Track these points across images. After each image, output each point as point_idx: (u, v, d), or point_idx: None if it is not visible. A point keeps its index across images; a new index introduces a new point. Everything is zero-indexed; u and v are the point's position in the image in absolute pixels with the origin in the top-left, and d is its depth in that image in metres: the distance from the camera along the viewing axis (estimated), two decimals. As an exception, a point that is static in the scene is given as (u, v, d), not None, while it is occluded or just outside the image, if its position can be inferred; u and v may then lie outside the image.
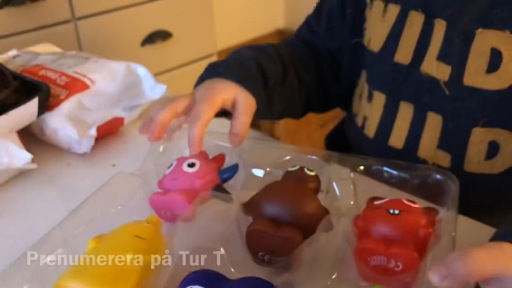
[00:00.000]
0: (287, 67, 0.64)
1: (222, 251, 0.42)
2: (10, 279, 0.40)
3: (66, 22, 1.20)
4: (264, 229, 0.42)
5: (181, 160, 0.49)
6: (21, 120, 0.61)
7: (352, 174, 0.50)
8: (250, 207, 0.45)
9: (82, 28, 1.22)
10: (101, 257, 0.38)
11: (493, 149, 0.55)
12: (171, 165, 0.49)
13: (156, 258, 0.40)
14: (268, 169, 0.53)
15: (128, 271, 0.38)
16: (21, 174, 0.60)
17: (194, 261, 0.41)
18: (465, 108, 0.55)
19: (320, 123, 1.61)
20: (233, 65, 0.59)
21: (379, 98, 0.63)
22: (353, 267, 0.41)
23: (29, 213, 0.55)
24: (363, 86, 0.66)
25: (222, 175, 0.49)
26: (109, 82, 0.68)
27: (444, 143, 0.58)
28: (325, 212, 0.45)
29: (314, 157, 0.53)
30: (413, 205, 0.42)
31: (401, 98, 0.61)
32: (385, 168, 0.51)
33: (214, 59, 1.52)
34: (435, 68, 0.56)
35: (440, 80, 0.56)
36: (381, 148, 0.63)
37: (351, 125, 0.70)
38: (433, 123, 0.58)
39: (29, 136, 0.64)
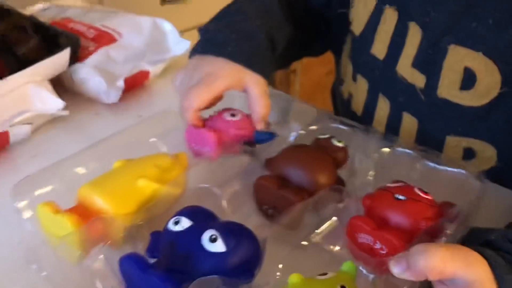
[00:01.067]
0: (291, 25, 0.63)
1: (224, 195, 0.46)
2: (43, 181, 0.46)
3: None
4: (268, 185, 0.45)
5: (226, 110, 0.52)
6: (53, 69, 0.64)
7: (376, 154, 0.50)
8: (270, 162, 0.48)
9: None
10: (118, 176, 0.44)
11: (469, 154, 0.55)
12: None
13: (165, 188, 0.44)
14: (301, 131, 0.54)
15: (137, 193, 0.44)
16: (52, 120, 0.63)
17: (199, 200, 0.44)
18: (441, 115, 0.54)
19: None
20: (242, 42, 0.54)
21: (362, 82, 0.62)
22: (342, 239, 0.42)
23: (59, 156, 0.58)
24: (348, 48, 0.65)
25: (258, 136, 0.51)
26: (136, 36, 0.71)
27: (420, 143, 0.56)
28: (340, 183, 0.46)
29: (344, 127, 0.54)
30: (424, 195, 0.42)
31: (380, 90, 0.60)
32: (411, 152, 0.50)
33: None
34: (410, 74, 0.55)
35: (416, 86, 0.55)
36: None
37: (338, 90, 0.70)
38: (409, 123, 0.58)
39: (60, 86, 0.68)
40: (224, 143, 0.49)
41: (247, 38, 0.55)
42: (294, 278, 0.37)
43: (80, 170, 0.49)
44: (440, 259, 0.32)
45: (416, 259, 0.33)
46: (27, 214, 0.44)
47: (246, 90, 0.51)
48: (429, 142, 0.55)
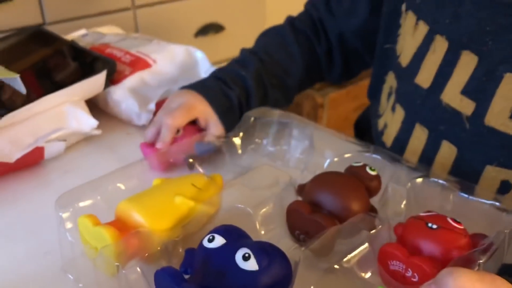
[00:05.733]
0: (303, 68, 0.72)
1: (258, 216, 0.47)
2: (85, 194, 0.48)
3: (126, 9, 1.27)
4: (300, 210, 0.46)
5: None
6: (90, 90, 0.67)
7: (409, 184, 0.50)
8: (302, 188, 0.49)
9: (140, 16, 1.29)
10: (156, 193, 0.46)
11: (505, 187, 0.54)
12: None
13: (201, 207, 0.46)
14: (335, 159, 0.55)
15: (173, 210, 0.45)
16: (86, 139, 0.66)
17: (233, 219, 0.45)
18: (483, 145, 0.54)
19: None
20: (219, 95, 0.64)
21: (399, 113, 0.62)
22: (373, 265, 0.42)
23: (90, 173, 0.60)
24: (390, 88, 0.67)
25: (198, 148, 0.60)
26: (169, 63, 0.74)
27: (455, 172, 0.57)
28: (372, 211, 0.46)
29: (377, 156, 0.55)
30: (456, 224, 0.41)
31: (417, 120, 0.60)
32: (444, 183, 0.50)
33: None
34: (458, 101, 0.55)
35: (463, 114, 0.54)
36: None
37: (374, 124, 0.71)
38: (447, 152, 0.57)
39: (95, 107, 0.71)
40: (168, 161, 0.59)
41: (224, 94, 0.65)
42: None
43: (120, 186, 0.51)
44: (468, 280, 0.32)
45: (445, 280, 0.33)
46: (68, 225, 0.46)
47: (207, 127, 0.63)
48: (466, 172, 0.55)
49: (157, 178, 0.49)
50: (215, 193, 0.48)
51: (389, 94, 0.67)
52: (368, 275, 0.43)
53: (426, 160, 0.59)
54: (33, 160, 0.60)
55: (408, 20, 0.60)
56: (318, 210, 0.46)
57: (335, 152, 0.56)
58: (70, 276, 0.44)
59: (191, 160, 0.58)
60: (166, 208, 0.45)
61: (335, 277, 0.43)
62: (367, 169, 0.49)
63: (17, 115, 0.60)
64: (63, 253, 0.45)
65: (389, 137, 0.65)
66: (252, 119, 0.62)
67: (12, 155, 0.57)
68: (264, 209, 0.47)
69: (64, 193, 0.47)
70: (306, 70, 0.72)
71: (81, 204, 0.47)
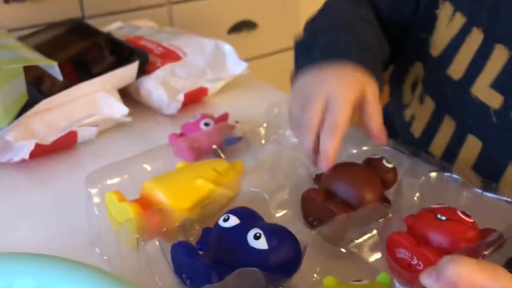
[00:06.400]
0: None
1: (273, 201, 0.49)
2: (113, 173, 0.51)
3: (161, 5, 1.31)
4: (315, 197, 0.47)
5: (202, 117, 0.62)
6: (122, 79, 0.70)
7: (423, 178, 0.51)
8: (319, 178, 0.51)
9: (175, 12, 1.33)
10: (179, 175, 0.49)
11: None
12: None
13: (220, 190, 0.48)
14: (354, 151, 0.56)
15: (194, 191, 0.47)
16: (117, 125, 0.69)
17: (249, 203, 0.46)
18: (508, 140, 0.54)
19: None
20: (363, 48, 0.52)
21: (429, 104, 0.62)
22: (380, 251, 0.44)
23: (119, 158, 0.62)
24: (415, 78, 0.65)
25: (227, 140, 0.60)
26: (199, 56, 0.77)
27: (478, 167, 0.56)
28: (385, 202, 0.47)
29: (396, 149, 0.55)
30: (465, 217, 0.42)
31: (446, 112, 0.59)
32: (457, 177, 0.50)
33: (292, 53, 1.58)
34: (486, 94, 0.54)
35: (490, 108, 0.54)
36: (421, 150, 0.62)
37: (399, 115, 0.69)
38: (472, 146, 0.57)
39: (127, 96, 0.74)
40: (197, 149, 0.59)
41: (366, 45, 0.53)
42: (328, 280, 0.38)
43: (146, 167, 0.54)
44: (468, 269, 0.32)
45: (444, 268, 0.33)
46: (96, 200, 0.49)
47: (364, 99, 0.49)
48: (489, 167, 0.55)
49: (181, 161, 0.52)
50: (234, 178, 0.50)
51: (414, 84, 0.66)
52: (373, 259, 0.44)
53: (451, 154, 0.59)
54: (67, 143, 0.63)
55: (444, 11, 0.59)
56: (333, 198, 0.47)
57: (354, 145, 0.57)
58: (96, 249, 0.47)
59: (217, 149, 0.60)
60: (187, 189, 0.47)
61: (341, 259, 0.45)
62: (384, 161, 0.50)
63: (53, 101, 0.63)
64: (91, 228, 0.48)
65: (417, 129, 0.64)
66: (276, 110, 0.64)
67: (48, 138, 0.61)
68: (279, 195, 0.49)
69: (93, 171, 0.50)
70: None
71: (109, 181, 0.50)
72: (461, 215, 0.42)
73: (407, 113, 0.68)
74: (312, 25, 0.61)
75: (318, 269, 0.42)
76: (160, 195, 0.46)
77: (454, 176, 0.50)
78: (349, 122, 0.47)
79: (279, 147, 0.63)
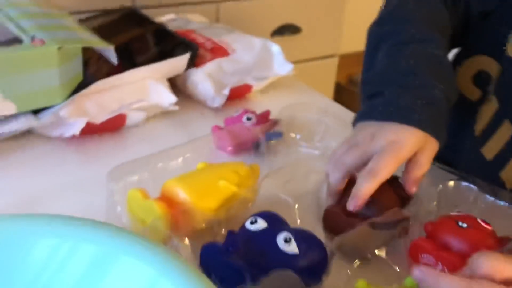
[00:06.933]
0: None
1: (297, 206, 0.50)
2: (134, 170, 0.53)
3: (210, 2, 1.34)
4: (338, 212, 0.48)
5: (245, 112, 0.65)
6: (172, 69, 0.73)
7: (440, 186, 0.51)
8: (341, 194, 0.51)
9: (222, 10, 1.35)
10: (201, 176, 0.49)
11: None
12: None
13: (242, 193, 0.49)
14: None
15: (217, 192, 0.48)
16: (163, 113, 0.71)
17: (271, 206, 0.48)
18: None
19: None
20: (427, 108, 0.50)
21: (493, 105, 0.59)
22: (403, 258, 0.45)
23: (162, 144, 0.64)
24: (477, 71, 0.61)
25: (268, 136, 0.62)
26: (247, 53, 0.78)
27: None
28: (404, 217, 0.47)
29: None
30: (486, 225, 0.43)
31: (507, 117, 0.57)
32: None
33: (335, 61, 1.59)
34: None
35: None
36: (489, 175, 0.58)
37: (464, 128, 0.63)
38: None
39: (174, 87, 0.76)
40: (241, 145, 0.62)
41: (429, 101, 0.50)
42: (360, 283, 0.40)
43: (167, 166, 0.55)
44: (497, 259, 0.34)
45: (477, 262, 0.34)
46: (118, 197, 0.50)
47: (415, 156, 0.48)
48: None
49: (201, 162, 0.52)
50: (254, 181, 0.51)
51: (476, 78, 0.62)
52: (397, 264, 0.46)
53: (501, 159, 0.57)
54: (115, 125, 0.66)
55: None
56: (355, 215, 0.47)
57: None
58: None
59: (259, 143, 0.62)
60: (210, 190, 0.47)
61: (368, 266, 0.46)
62: (400, 179, 0.50)
63: (107, 83, 0.66)
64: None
65: (491, 150, 0.60)
66: (291, 113, 0.66)
67: (99, 117, 0.63)
68: (302, 200, 0.50)
69: (115, 167, 0.51)
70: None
71: (130, 178, 0.51)
72: (481, 223, 0.43)
73: (477, 128, 0.62)
74: (377, 42, 0.58)
75: (347, 272, 0.43)
76: (183, 195, 0.46)
77: (471, 185, 0.51)
78: (390, 175, 0.47)
79: (307, 150, 0.64)
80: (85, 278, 0.32)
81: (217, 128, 0.64)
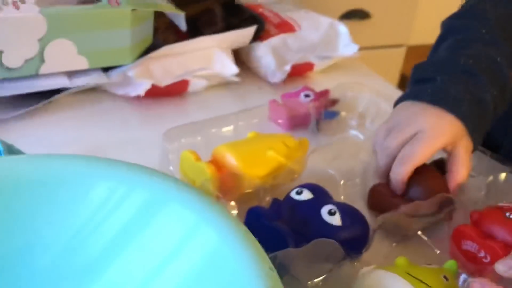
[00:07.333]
0: None
1: (341, 182, 0.50)
2: (188, 133, 0.55)
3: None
4: (384, 192, 0.48)
5: (303, 89, 0.65)
6: (237, 41, 0.74)
7: (491, 177, 0.50)
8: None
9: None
10: (251, 144, 0.51)
11: None
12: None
13: (289, 164, 0.49)
14: None
15: (264, 162, 0.49)
16: (224, 83, 0.73)
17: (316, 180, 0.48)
18: None
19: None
20: (474, 104, 0.49)
21: None
22: (445, 242, 0.44)
23: (217, 112, 0.63)
24: None
25: (326, 115, 0.63)
26: (313, 31, 0.78)
27: None
28: (450, 203, 0.46)
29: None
30: None
31: None
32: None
33: (402, 51, 1.55)
34: None
35: None
36: None
37: None
38: None
39: (238, 58, 0.77)
40: (295, 120, 0.62)
41: (477, 100, 0.49)
42: (401, 260, 0.40)
43: (219, 132, 0.57)
44: None
45: None
46: (172, 156, 0.52)
47: (453, 150, 0.48)
48: None
49: (252, 131, 0.54)
50: (302, 155, 0.52)
51: None
52: (438, 247, 0.46)
53: None
54: (178, 90, 0.68)
55: None
56: (401, 196, 0.47)
57: None
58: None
59: (318, 123, 0.62)
60: (258, 158, 0.49)
61: (411, 245, 0.46)
62: None
63: (174, 48, 0.68)
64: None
65: None
66: (350, 93, 0.66)
67: (163, 81, 0.66)
68: (348, 177, 0.51)
69: (171, 128, 0.54)
70: None
71: (184, 140, 0.54)
72: None
73: None
74: (446, 33, 0.57)
75: (387, 249, 0.43)
76: (232, 160, 0.47)
77: None
78: (425, 161, 0.47)
79: (359, 130, 0.64)
80: (134, 221, 0.34)
81: (274, 102, 0.65)
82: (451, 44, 0.54)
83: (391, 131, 0.49)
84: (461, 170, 0.48)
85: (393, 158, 0.48)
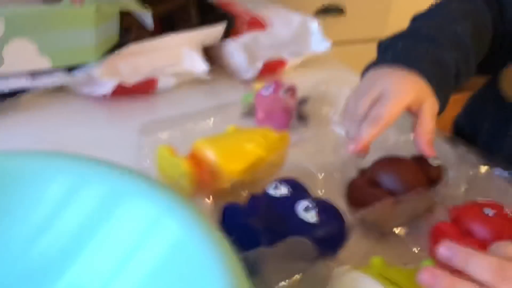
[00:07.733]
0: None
1: (321, 177, 0.50)
2: (166, 127, 0.54)
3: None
4: (361, 185, 0.47)
5: (276, 83, 0.63)
6: (207, 38, 0.72)
7: (471, 172, 0.50)
8: (364, 171, 0.50)
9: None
10: (230, 138, 0.50)
11: None
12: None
13: (268, 157, 0.49)
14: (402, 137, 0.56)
15: (244, 155, 0.48)
16: (194, 81, 0.71)
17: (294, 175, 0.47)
18: None
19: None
20: (435, 65, 0.50)
21: None
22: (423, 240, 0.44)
23: (190, 110, 0.62)
24: None
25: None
26: (284, 29, 0.78)
27: None
28: (429, 198, 0.46)
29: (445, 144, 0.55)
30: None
31: None
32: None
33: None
34: None
35: None
36: None
37: (507, 121, 0.62)
38: None
39: (208, 56, 0.76)
40: (274, 114, 0.60)
41: (438, 61, 0.50)
42: (376, 260, 0.39)
43: (198, 127, 0.56)
44: None
45: (497, 249, 0.33)
46: (147, 151, 0.51)
47: (419, 111, 0.48)
48: None
49: (232, 125, 0.52)
50: (282, 149, 0.51)
51: None
52: (417, 248, 0.45)
53: None
54: (146, 88, 0.67)
55: None
56: (379, 187, 0.47)
57: (403, 132, 0.55)
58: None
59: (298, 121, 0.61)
60: (237, 152, 0.48)
61: (387, 244, 0.45)
62: (431, 159, 0.49)
63: (141, 46, 0.67)
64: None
65: None
66: (323, 87, 0.65)
67: (130, 79, 0.64)
68: (327, 172, 0.50)
69: (147, 122, 0.52)
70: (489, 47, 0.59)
71: (161, 135, 0.52)
72: (508, 212, 0.42)
73: None
74: (413, 23, 0.59)
75: (364, 248, 0.42)
76: (211, 155, 0.47)
77: (505, 173, 0.50)
78: (393, 121, 0.47)
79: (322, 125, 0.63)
80: (93, 216, 0.33)
81: (259, 96, 0.63)
82: (413, 21, 0.57)
83: (358, 98, 0.49)
84: (428, 123, 0.47)
85: (361, 122, 0.48)
